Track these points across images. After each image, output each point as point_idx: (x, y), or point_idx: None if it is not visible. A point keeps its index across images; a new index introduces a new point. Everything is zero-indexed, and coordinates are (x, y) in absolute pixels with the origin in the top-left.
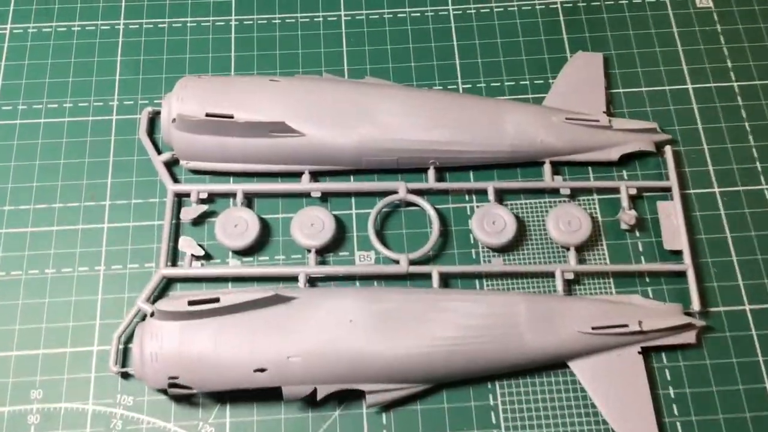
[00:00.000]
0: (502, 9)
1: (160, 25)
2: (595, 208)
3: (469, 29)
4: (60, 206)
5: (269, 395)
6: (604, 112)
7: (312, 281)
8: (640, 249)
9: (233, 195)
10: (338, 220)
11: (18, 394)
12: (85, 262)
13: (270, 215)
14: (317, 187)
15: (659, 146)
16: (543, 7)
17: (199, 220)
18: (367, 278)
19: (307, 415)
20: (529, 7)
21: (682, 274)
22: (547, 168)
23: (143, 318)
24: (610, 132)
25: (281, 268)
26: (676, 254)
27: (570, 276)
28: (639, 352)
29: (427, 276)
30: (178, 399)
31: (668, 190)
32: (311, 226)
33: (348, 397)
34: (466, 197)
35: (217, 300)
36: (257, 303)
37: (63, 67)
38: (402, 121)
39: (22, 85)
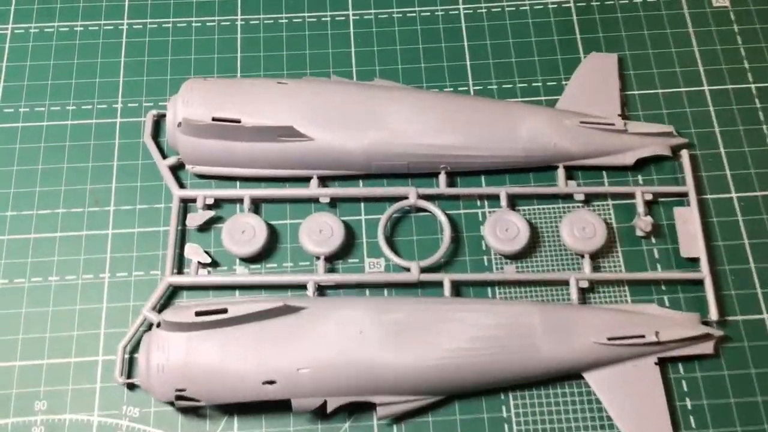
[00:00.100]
0: (513, 8)
1: (164, 25)
2: (609, 214)
3: (480, 29)
4: (63, 212)
5: (278, 407)
6: (618, 114)
7: (321, 289)
8: (656, 256)
9: (240, 200)
10: (347, 226)
11: (22, 406)
12: (89, 269)
13: (278, 221)
14: (326, 193)
15: (675, 150)
16: (555, 6)
17: (205, 227)
18: (377, 286)
19: (317, 427)
20: (541, 6)
21: (699, 282)
22: (560, 173)
23: (149, 327)
24: (625, 136)
25: (289, 276)
26: (693, 261)
27: (584, 284)
28: (655, 363)
29: (439, 284)
30: (185, 411)
31: (685, 195)
32: (320, 232)
33: (358, 409)
34: (478, 203)
35: (224, 311)
36: (266, 314)
37: (65, 68)
38: (412, 125)
39: (24, 87)
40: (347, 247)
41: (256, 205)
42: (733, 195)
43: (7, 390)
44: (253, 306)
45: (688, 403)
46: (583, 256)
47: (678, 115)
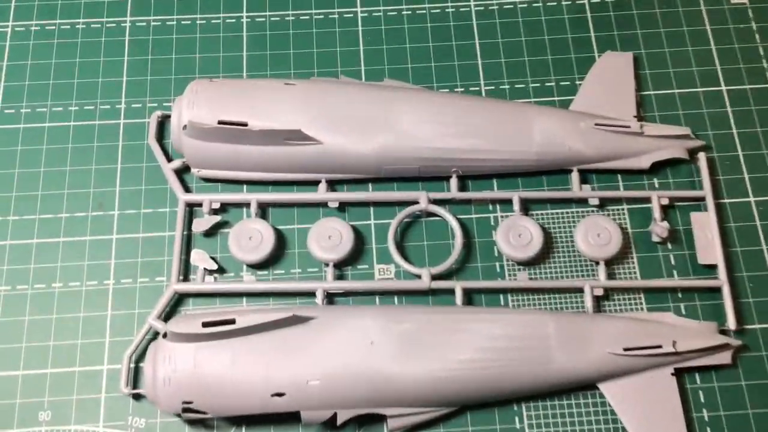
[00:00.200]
0: (526, 5)
1: (168, 23)
2: (624, 219)
3: (491, 26)
4: (67, 216)
5: (287, 419)
6: (634, 116)
7: (330, 297)
8: (673, 262)
9: (247, 205)
10: (356, 231)
11: (26, 417)
12: (93, 275)
13: (285, 226)
14: (334, 197)
15: (692, 153)
16: (569, 2)
17: (211, 231)
18: (387, 294)
19: None
20: (555, 3)
21: (716, 290)
22: (574, 176)
23: (155, 335)
24: (641, 138)
25: (298, 283)
26: (711, 268)
27: (599, 292)
28: (672, 374)
29: (450, 291)
30: (192, 422)
31: (702, 199)
32: (329, 238)
33: (369, 421)
34: (490, 207)
35: (232, 321)
36: (274, 324)
37: (67, 67)
38: (423, 128)
39: (25, 86)
40: (356, 253)
41: (263, 209)
42: (752, 199)
43: (10, 400)
44: (261, 317)
45: (705, 414)
46: (597, 263)
47: (695, 116)
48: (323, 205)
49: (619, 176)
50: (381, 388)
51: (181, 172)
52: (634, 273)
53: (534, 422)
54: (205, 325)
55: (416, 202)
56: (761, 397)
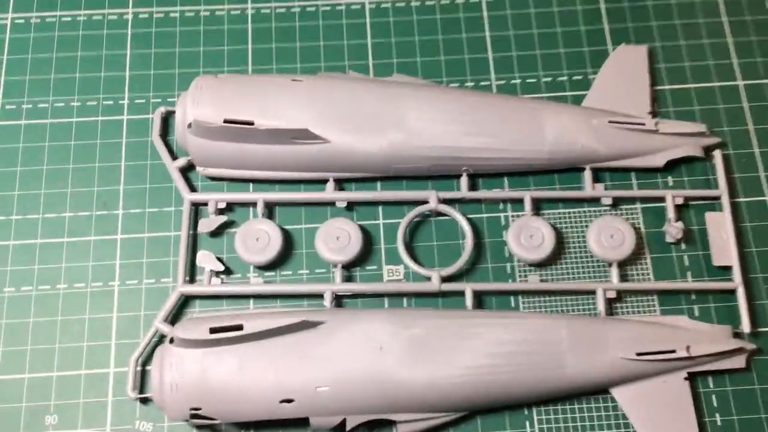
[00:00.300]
0: None
1: (171, 15)
2: (638, 218)
3: (502, 18)
4: (70, 215)
5: (295, 424)
6: (648, 112)
7: (338, 299)
8: (687, 264)
9: (253, 204)
10: (365, 231)
11: (32, 421)
12: (98, 276)
13: (292, 225)
14: (342, 196)
15: (708, 150)
16: None
17: (217, 231)
18: (396, 296)
19: None
20: None
21: (731, 291)
22: (587, 175)
23: (161, 338)
24: (656, 136)
25: (305, 286)
26: (725, 269)
27: (612, 295)
28: (685, 378)
29: (460, 293)
30: (200, 427)
31: (717, 198)
32: (337, 239)
33: (378, 426)
34: (501, 206)
35: (240, 327)
36: (283, 329)
37: (69, 61)
38: (434, 126)
39: (26, 81)
40: (365, 254)
41: (270, 209)
42: None
43: (16, 404)
44: (269, 322)
45: (718, 418)
46: (610, 265)
47: (710, 111)
48: (331, 204)
49: (632, 174)
50: (390, 394)
51: (186, 170)
52: (648, 274)
53: (545, 427)
54: (213, 330)
55: (426, 202)
56: None
